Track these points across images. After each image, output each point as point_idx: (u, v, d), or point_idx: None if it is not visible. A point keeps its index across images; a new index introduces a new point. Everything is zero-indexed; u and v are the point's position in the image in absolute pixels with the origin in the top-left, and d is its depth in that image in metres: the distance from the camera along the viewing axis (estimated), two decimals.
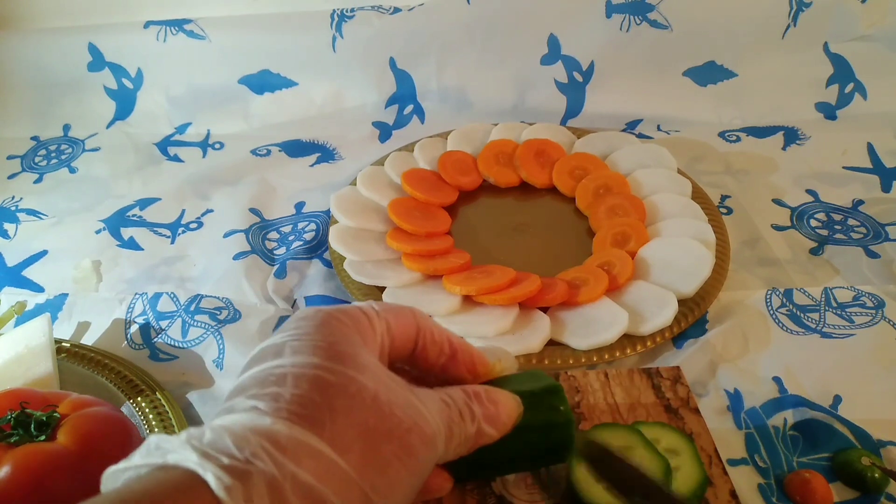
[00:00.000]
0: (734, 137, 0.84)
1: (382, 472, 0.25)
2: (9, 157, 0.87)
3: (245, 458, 0.23)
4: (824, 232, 0.68)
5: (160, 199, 0.78)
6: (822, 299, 0.60)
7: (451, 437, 0.29)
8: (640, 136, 0.84)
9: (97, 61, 0.89)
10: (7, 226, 0.75)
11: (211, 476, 0.22)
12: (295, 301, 0.64)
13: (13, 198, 0.80)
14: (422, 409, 0.28)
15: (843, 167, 0.77)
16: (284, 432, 0.24)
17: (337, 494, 0.24)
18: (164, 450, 0.24)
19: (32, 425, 0.41)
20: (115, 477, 0.24)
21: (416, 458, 0.27)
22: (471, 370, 0.33)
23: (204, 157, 0.86)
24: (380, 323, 0.31)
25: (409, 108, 0.90)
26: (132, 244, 0.71)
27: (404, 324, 0.32)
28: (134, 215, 0.75)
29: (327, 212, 0.72)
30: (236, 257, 0.68)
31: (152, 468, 0.23)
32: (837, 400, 0.51)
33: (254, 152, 0.85)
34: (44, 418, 0.41)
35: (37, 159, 0.87)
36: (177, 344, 0.59)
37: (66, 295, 0.65)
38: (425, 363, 0.33)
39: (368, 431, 0.26)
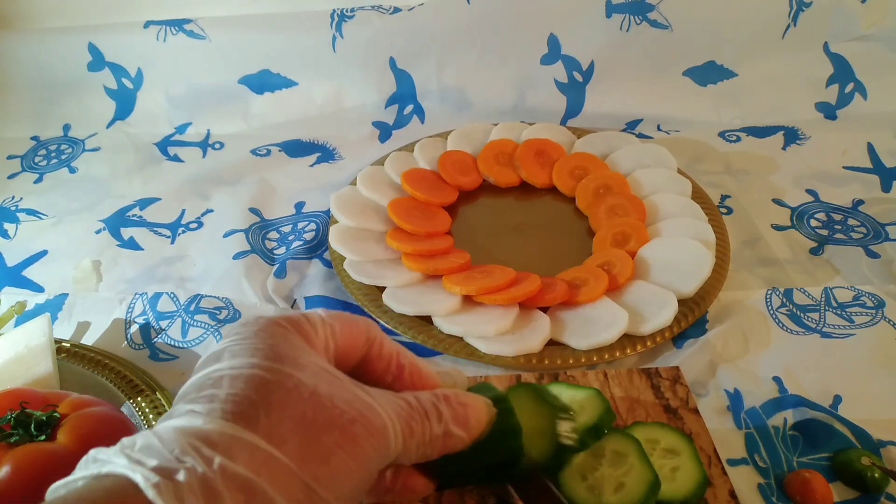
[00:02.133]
0: (734, 137, 0.84)
1: (325, 462, 0.26)
2: (9, 157, 0.87)
3: (175, 457, 0.23)
4: (824, 232, 0.68)
5: (160, 199, 0.78)
6: (822, 299, 0.60)
7: (411, 434, 0.29)
8: (640, 136, 0.84)
9: (97, 61, 0.89)
10: (7, 226, 0.75)
11: (139, 477, 0.23)
12: (294, 301, 0.64)
13: (13, 198, 0.80)
14: (370, 401, 0.28)
15: (843, 167, 0.77)
16: (216, 430, 0.24)
17: (274, 485, 0.24)
18: (100, 461, 0.24)
19: (32, 425, 0.41)
20: (56, 492, 0.24)
21: (361, 448, 0.27)
22: (418, 388, 0.33)
23: (204, 157, 0.86)
24: (323, 328, 0.31)
25: (409, 108, 0.90)
26: (132, 244, 0.71)
27: (352, 332, 0.32)
28: (134, 215, 0.75)
29: (327, 212, 0.72)
30: (236, 257, 0.68)
31: (89, 479, 0.24)
32: (837, 400, 0.51)
33: (254, 152, 0.85)
34: (44, 418, 0.41)
35: (37, 159, 0.87)
36: (177, 344, 0.59)
37: (66, 295, 0.65)
38: (372, 376, 0.33)
39: (307, 423, 0.26)
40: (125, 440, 0.25)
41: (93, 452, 0.25)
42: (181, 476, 0.23)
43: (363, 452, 0.27)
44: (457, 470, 0.33)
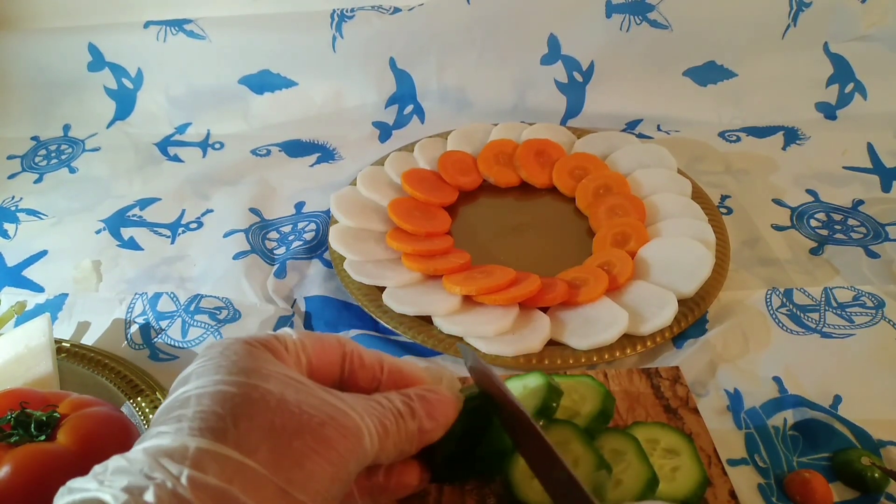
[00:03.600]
0: (734, 137, 0.84)
1: (298, 466, 0.26)
2: (9, 157, 0.87)
3: (144, 475, 0.24)
4: (824, 232, 0.68)
5: (160, 199, 0.78)
6: (822, 299, 0.60)
7: (385, 433, 0.30)
8: (640, 136, 0.84)
9: (97, 61, 0.89)
10: (7, 226, 0.75)
11: (108, 497, 0.23)
12: (295, 301, 0.64)
13: (13, 198, 0.80)
14: (340, 405, 0.29)
15: (843, 167, 0.77)
16: (184, 446, 0.25)
17: (248, 492, 0.25)
18: (74, 490, 0.25)
19: (32, 425, 0.41)
20: None
21: (335, 449, 0.27)
22: (401, 388, 0.34)
23: (204, 157, 0.86)
24: (294, 344, 0.31)
25: (409, 108, 0.90)
26: (132, 244, 0.71)
27: (324, 347, 0.32)
28: (134, 215, 0.75)
29: (327, 212, 0.72)
30: (236, 257, 0.68)
31: None
32: (837, 400, 0.51)
33: (254, 152, 0.85)
34: (44, 418, 0.41)
35: (37, 159, 0.87)
36: (177, 344, 0.59)
37: (66, 295, 0.65)
38: (359, 388, 0.33)
39: (276, 430, 0.26)
40: (97, 467, 0.25)
41: (68, 483, 0.25)
42: (150, 493, 0.23)
43: (337, 454, 0.27)
44: (444, 460, 0.34)
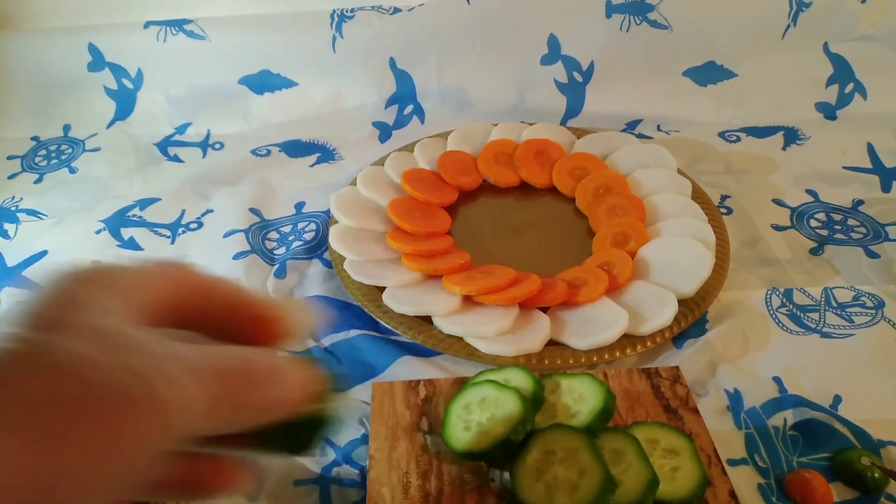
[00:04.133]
0: (734, 137, 0.84)
1: (82, 451, 0.21)
2: (9, 157, 0.87)
3: None
4: (824, 232, 0.68)
5: (160, 199, 0.78)
6: (822, 299, 0.60)
7: (228, 404, 0.24)
8: (640, 136, 0.84)
9: (97, 61, 0.89)
10: (7, 226, 0.75)
11: None
12: None
13: (13, 198, 0.80)
14: (168, 367, 0.23)
15: (843, 167, 0.77)
16: None
17: None
18: None
19: None
20: None
21: (137, 427, 0.22)
22: (238, 313, 0.27)
23: (204, 157, 0.86)
24: (134, 277, 0.26)
25: (409, 108, 0.90)
26: (132, 244, 0.71)
27: (167, 277, 0.27)
28: (134, 215, 0.75)
29: (327, 212, 0.72)
30: (236, 257, 0.68)
31: None
32: (837, 400, 0.51)
33: (254, 152, 0.85)
34: None
35: (37, 159, 0.87)
36: None
37: None
38: (198, 317, 0.27)
39: (65, 402, 0.21)
40: None
41: None
42: None
43: (138, 433, 0.22)
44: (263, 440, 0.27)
